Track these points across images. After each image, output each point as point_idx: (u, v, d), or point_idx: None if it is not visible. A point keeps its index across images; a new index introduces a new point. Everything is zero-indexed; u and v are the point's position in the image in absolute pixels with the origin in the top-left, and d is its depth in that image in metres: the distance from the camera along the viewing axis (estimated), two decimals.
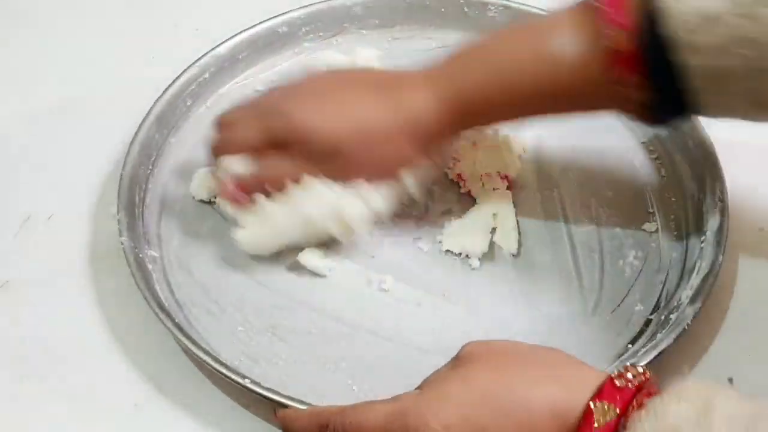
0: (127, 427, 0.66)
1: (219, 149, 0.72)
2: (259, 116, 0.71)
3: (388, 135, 0.69)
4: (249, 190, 0.71)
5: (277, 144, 0.70)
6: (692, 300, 0.68)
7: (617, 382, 0.52)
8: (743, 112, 0.65)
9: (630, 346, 0.68)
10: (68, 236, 0.75)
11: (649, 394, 0.51)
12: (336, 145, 0.69)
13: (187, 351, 0.67)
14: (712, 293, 0.68)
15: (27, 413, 0.67)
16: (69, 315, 0.71)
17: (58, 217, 0.77)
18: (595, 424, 0.51)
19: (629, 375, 0.52)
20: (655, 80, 0.64)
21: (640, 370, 0.53)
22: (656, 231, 0.75)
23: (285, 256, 0.73)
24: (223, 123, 0.73)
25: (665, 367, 0.63)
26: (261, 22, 0.85)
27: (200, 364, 0.67)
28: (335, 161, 0.69)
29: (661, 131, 0.78)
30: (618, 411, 0.51)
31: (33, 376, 0.68)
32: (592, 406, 0.51)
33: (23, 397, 0.67)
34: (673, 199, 0.76)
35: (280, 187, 0.70)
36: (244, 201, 0.71)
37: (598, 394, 0.52)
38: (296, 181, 0.70)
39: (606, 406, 0.51)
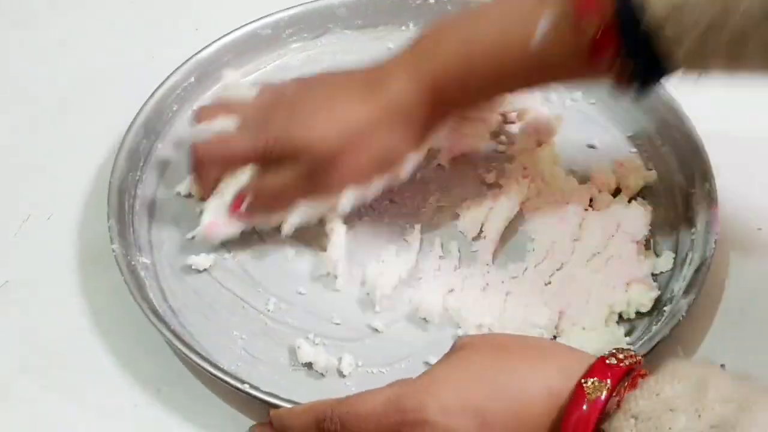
0: (125, 425, 0.66)
1: (208, 157, 0.72)
2: (252, 128, 0.71)
3: (381, 129, 0.69)
4: (252, 207, 0.71)
5: (270, 157, 0.70)
6: (686, 291, 0.68)
7: (608, 361, 0.53)
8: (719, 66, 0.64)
9: (626, 337, 0.69)
10: (68, 237, 0.75)
11: (642, 375, 0.52)
12: (335, 153, 0.68)
13: (182, 357, 0.67)
14: (706, 286, 0.69)
15: (25, 413, 0.67)
16: (67, 315, 0.71)
17: (57, 218, 0.76)
18: (589, 399, 0.51)
19: (620, 356, 0.53)
20: (632, 50, 0.64)
21: (631, 352, 0.54)
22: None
23: (278, 258, 0.73)
24: (213, 136, 0.72)
25: (661, 359, 0.63)
26: (244, 25, 0.84)
27: (196, 369, 0.67)
28: (334, 168, 0.69)
29: (639, 97, 0.74)
30: (609, 386, 0.51)
31: (31, 376, 0.68)
32: (583, 383, 0.52)
33: (21, 397, 0.67)
34: (662, 191, 0.77)
35: (282, 205, 0.71)
36: (246, 217, 0.72)
37: (589, 372, 0.52)
38: (293, 198, 0.70)
39: (597, 383, 0.52)
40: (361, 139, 0.69)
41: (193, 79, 0.82)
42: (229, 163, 0.72)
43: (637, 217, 0.74)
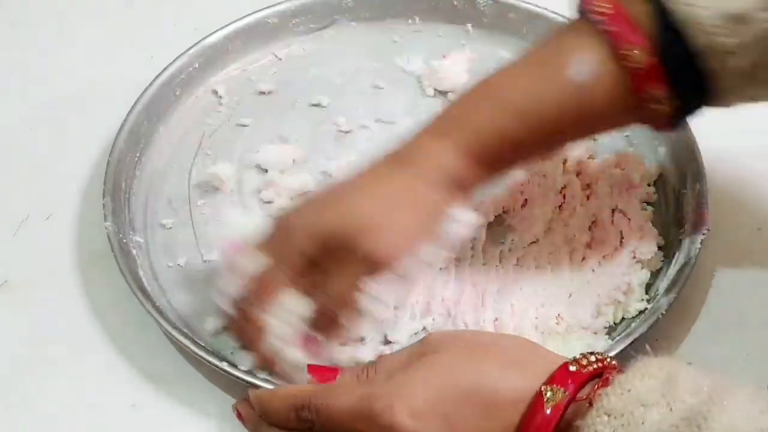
0: (124, 424, 0.67)
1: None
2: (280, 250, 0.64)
3: (419, 188, 0.64)
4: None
5: (318, 260, 0.63)
6: (667, 290, 0.68)
7: (571, 367, 0.53)
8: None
9: (606, 335, 0.69)
10: (67, 236, 0.76)
11: (613, 374, 0.52)
12: (382, 224, 0.62)
13: (175, 342, 0.67)
14: (692, 286, 0.69)
15: (25, 413, 0.67)
16: (67, 315, 0.72)
17: (56, 217, 0.77)
18: (547, 409, 0.51)
19: (584, 361, 0.53)
20: (682, 89, 0.62)
21: (599, 356, 0.54)
22: None
23: None
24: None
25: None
26: (251, 14, 0.85)
27: (195, 360, 0.67)
28: (384, 235, 0.62)
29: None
30: (568, 394, 0.51)
31: (31, 375, 0.69)
32: (543, 390, 0.52)
33: (21, 396, 0.68)
34: (654, 191, 0.76)
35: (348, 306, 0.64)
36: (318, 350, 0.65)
37: (551, 379, 0.52)
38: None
39: (556, 390, 0.52)
40: (402, 202, 0.64)
41: (197, 65, 0.83)
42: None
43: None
